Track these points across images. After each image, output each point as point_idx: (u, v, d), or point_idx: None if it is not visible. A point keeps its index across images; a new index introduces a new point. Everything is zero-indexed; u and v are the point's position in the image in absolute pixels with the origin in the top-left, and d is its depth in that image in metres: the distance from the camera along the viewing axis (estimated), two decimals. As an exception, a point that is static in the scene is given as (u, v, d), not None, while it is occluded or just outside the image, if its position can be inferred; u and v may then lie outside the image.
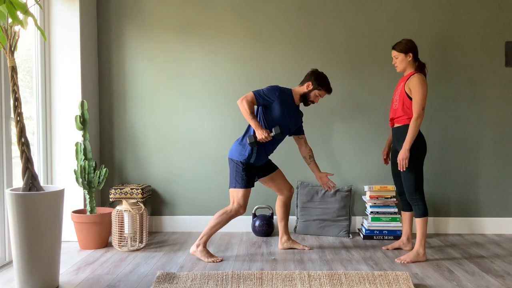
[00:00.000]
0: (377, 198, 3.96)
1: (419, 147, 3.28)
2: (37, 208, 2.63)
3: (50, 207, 2.69)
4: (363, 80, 4.14)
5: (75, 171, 3.67)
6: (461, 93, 4.12)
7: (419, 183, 3.31)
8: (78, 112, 3.73)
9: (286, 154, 4.01)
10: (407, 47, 3.33)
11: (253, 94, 3.28)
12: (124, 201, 3.62)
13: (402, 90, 3.32)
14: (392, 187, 3.95)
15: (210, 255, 3.32)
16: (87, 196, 3.70)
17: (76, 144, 3.70)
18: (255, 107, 3.37)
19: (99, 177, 3.78)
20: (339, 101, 4.13)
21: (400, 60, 3.37)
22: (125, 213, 3.55)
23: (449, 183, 4.15)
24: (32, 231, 2.62)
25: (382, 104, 4.05)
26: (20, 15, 2.69)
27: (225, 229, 4.08)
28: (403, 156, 3.24)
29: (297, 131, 3.55)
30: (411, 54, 3.33)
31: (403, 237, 3.60)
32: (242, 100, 3.26)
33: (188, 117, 4.18)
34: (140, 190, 3.92)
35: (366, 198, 4.02)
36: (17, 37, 2.72)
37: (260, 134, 3.22)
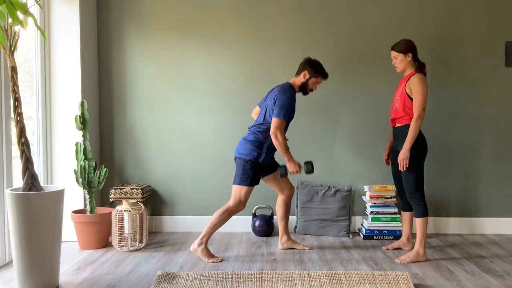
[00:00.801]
0: (377, 198, 3.96)
1: (419, 147, 3.28)
2: (37, 208, 2.63)
3: (50, 207, 2.70)
4: (363, 80, 4.14)
5: (75, 171, 3.67)
6: (461, 93, 4.12)
7: (420, 183, 3.31)
8: (78, 112, 3.73)
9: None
10: (406, 47, 3.34)
11: (279, 119, 3.25)
12: (124, 201, 3.62)
13: (403, 91, 3.32)
14: (392, 187, 3.95)
15: (210, 255, 3.32)
16: (87, 196, 3.70)
17: (76, 144, 3.70)
18: (263, 100, 3.48)
19: (99, 177, 3.78)
20: (339, 101, 4.14)
21: (399, 61, 3.37)
22: (125, 213, 3.55)
23: (449, 183, 4.15)
24: (32, 231, 2.62)
25: (382, 105, 4.05)
26: (20, 15, 2.69)
27: (225, 229, 4.08)
28: (403, 156, 3.24)
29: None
30: (410, 54, 3.33)
31: (403, 237, 3.60)
32: (276, 133, 3.25)
33: (188, 117, 4.18)
34: (140, 190, 3.92)
35: (366, 198, 4.02)
36: (17, 37, 2.72)
37: (292, 168, 3.30)
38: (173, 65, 4.16)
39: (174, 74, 4.17)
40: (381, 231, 3.91)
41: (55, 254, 2.76)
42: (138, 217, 3.59)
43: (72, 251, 3.54)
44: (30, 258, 2.63)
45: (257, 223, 4.02)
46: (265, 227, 3.99)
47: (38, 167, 3.73)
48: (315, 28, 4.12)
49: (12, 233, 2.65)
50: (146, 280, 2.91)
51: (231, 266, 3.20)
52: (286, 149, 3.31)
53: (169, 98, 4.18)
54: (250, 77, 4.13)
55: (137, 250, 3.58)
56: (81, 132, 3.72)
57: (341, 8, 4.11)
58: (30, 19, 2.76)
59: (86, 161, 3.70)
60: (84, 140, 3.71)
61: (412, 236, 3.65)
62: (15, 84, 2.70)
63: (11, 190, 2.71)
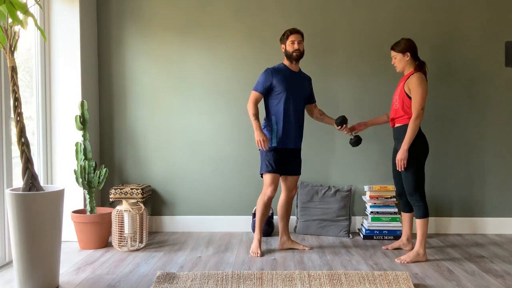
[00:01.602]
0: (377, 198, 3.96)
1: (420, 147, 3.27)
2: (37, 208, 2.63)
3: (50, 207, 2.70)
4: (363, 80, 4.14)
5: (75, 171, 3.67)
6: (461, 93, 4.12)
7: (420, 184, 3.30)
8: (78, 112, 3.73)
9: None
10: (405, 46, 3.34)
11: (254, 91, 3.45)
12: (124, 201, 3.62)
13: (402, 90, 3.32)
14: (392, 187, 3.95)
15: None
16: (87, 196, 3.70)
17: (76, 144, 3.70)
18: (265, 100, 3.51)
19: (99, 177, 3.78)
20: (339, 101, 4.14)
21: (398, 60, 3.38)
22: (125, 213, 3.55)
23: (449, 183, 4.15)
24: (32, 231, 2.62)
25: (382, 104, 4.04)
26: (20, 15, 2.69)
27: (225, 229, 4.09)
28: (401, 156, 3.24)
29: (309, 99, 3.64)
30: (409, 54, 3.33)
31: (403, 238, 3.59)
32: (248, 104, 3.45)
33: (188, 117, 4.18)
34: (140, 190, 3.92)
35: (366, 198, 4.02)
36: (17, 37, 2.72)
37: (257, 137, 3.35)
38: (173, 65, 4.16)
39: (174, 74, 4.17)
40: (381, 231, 3.90)
41: (55, 254, 2.76)
42: (138, 217, 3.59)
43: (72, 251, 3.54)
44: (30, 258, 2.63)
45: (257, 223, 4.02)
46: (265, 227, 3.98)
47: (38, 167, 3.73)
48: (315, 28, 4.11)
49: (12, 233, 2.65)
50: (146, 280, 2.91)
51: (231, 266, 3.20)
52: (255, 116, 3.38)
53: (169, 98, 4.18)
54: (250, 77, 4.12)
55: (137, 250, 3.58)
56: (81, 132, 3.72)
57: (342, 8, 4.11)
58: (30, 19, 2.76)
59: (86, 161, 3.70)
60: (84, 140, 3.71)
61: (413, 236, 3.65)
62: (15, 84, 2.70)
63: (11, 190, 2.71)
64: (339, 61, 4.13)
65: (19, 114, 2.71)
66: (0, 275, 3.00)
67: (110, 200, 4.01)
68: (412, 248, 3.48)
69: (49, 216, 2.69)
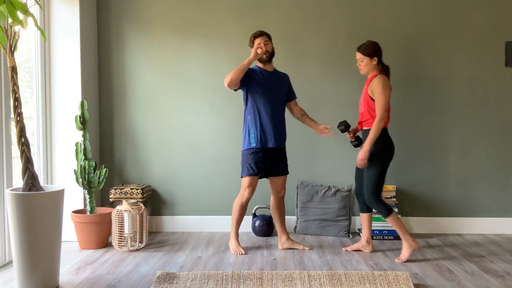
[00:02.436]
0: (377, 198, 3.96)
1: (383, 149, 3.26)
2: (37, 208, 2.63)
3: (50, 207, 2.70)
4: (363, 80, 4.13)
5: (75, 171, 3.67)
6: (460, 93, 4.12)
7: (378, 186, 3.28)
8: (78, 112, 3.73)
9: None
10: (373, 50, 3.32)
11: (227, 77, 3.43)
12: (124, 201, 3.62)
13: (366, 93, 3.31)
14: (392, 187, 3.96)
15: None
16: (87, 196, 3.70)
17: (76, 144, 3.70)
18: (244, 95, 3.53)
19: (99, 177, 3.78)
20: (338, 101, 4.14)
21: (365, 64, 3.34)
22: (125, 213, 3.55)
23: (448, 183, 4.15)
24: (32, 231, 2.62)
25: (382, 104, 4.05)
26: (20, 15, 2.69)
27: (225, 229, 4.09)
28: (361, 156, 3.25)
29: (289, 96, 3.62)
30: (376, 58, 3.32)
31: (363, 239, 3.53)
32: (226, 78, 3.38)
33: (188, 117, 4.18)
34: (140, 190, 3.92)
35: (366, 198, 4.02)
36: (17, 37, 2.72)
37: (254, 50, 3.38)
38: (173, 65, 4.17)
39: (174, 74, 4.17)
40: (381, 231, 3.90)
41: (55, 254, 2.76)
42: (138, 217, 3.59)
43: (72, 251, 3.54)
44: (30, 258, 2.63)
45: (257, 223, 4.02)
46: (265, 227, 3.99)
47: (38, 167, 3.73)
48: (315, 28, 4.11)
49: (12, 233, 2.65)
50: (146, 280, 2.91)
51: (231, 266, 3.20)
52: (239, 65, 3.36)
53: (169, 98, 4.18)
54: (250, 77, 4.13)
55: (137, 250, 3.58)
56: (81, 132, 3.72)
57: (341, 8, 4.11)
58: (30, 19, 2.76)
59: (86, 161, 3.70)
60: (84, 140, 3.71)
61: (413, 236, 3.63)
62: (15, 84, 2.70)
63: (11, 190, 2.71)
64: (339, 60, 4.12)
65: (19, 114, 2.71)
66: (0, 275, 3.00)
67: (110, 200, 4.01)
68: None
69: (49, 216, 2.69)
